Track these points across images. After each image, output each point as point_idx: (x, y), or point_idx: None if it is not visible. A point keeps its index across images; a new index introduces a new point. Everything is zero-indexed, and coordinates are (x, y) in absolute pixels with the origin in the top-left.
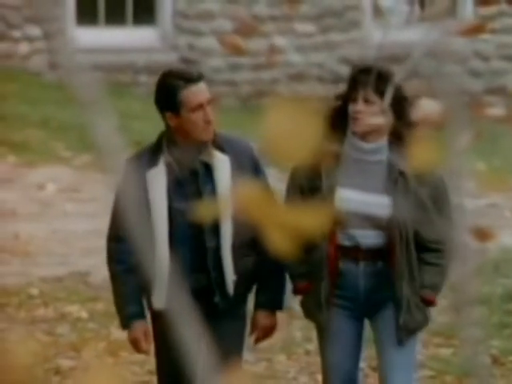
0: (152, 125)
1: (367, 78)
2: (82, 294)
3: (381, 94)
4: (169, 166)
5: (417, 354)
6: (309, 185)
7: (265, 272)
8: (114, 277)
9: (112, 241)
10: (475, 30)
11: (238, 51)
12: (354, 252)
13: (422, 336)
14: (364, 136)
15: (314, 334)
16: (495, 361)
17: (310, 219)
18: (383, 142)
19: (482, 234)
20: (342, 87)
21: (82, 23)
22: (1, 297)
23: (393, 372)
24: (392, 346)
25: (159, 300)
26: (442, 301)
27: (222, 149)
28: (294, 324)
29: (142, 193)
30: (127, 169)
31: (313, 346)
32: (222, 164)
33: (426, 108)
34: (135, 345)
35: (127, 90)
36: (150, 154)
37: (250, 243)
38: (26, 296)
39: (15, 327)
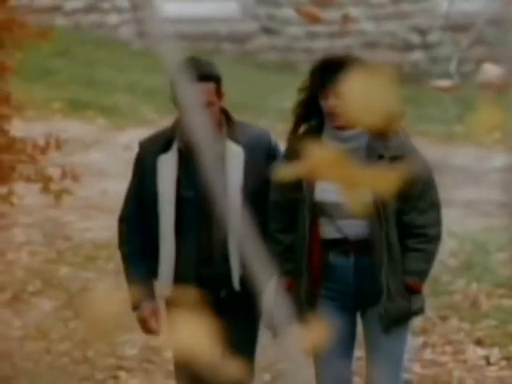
0: (235, 89)
1: (333, 71)
2: None
3: None
4: (180, 153)
5: (407, 345)
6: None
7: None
8: (124, 258)
9: (122, 222)
10: None
11: (313, 20)
12: (344, 244)
13: (485, 287)
14: (342, 126)
15: None
16: None
17: (381, 180)
18: (360, 128)
19: None
20: (307, 79)
21: None
22: (91, 250)
23: (378, 362)
24: (378, 336)
25: (163, 288)
26: (505, 255)
27: (237, 140)
28: None
29: (152, 178)
30: (140, 152)
31: None
32: (235, 156)
33: (488, 72)
34: (143, 325)
35: (211, 57)
36: (164, 139)
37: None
38: (115, 249)
39: (104, 278)
